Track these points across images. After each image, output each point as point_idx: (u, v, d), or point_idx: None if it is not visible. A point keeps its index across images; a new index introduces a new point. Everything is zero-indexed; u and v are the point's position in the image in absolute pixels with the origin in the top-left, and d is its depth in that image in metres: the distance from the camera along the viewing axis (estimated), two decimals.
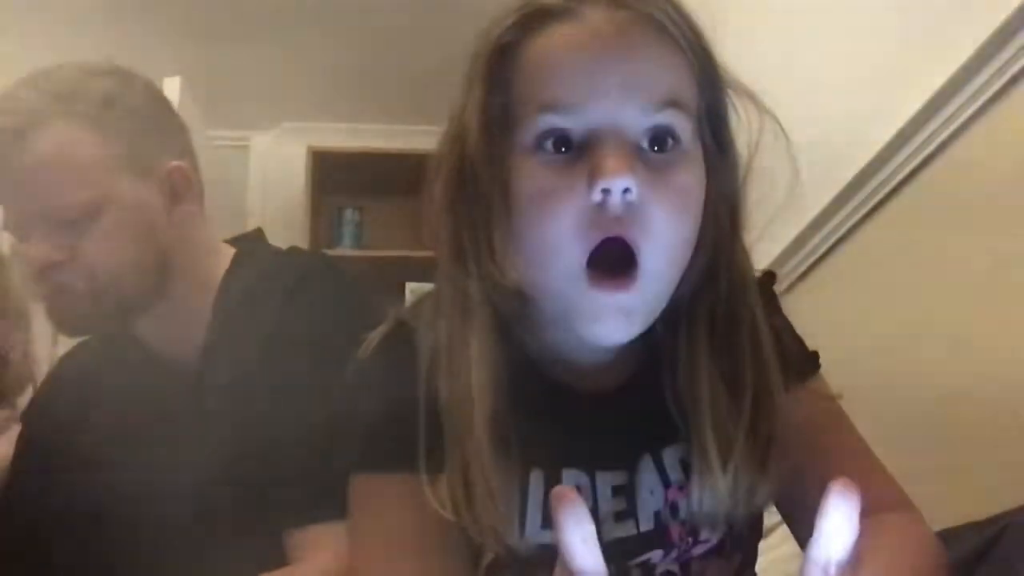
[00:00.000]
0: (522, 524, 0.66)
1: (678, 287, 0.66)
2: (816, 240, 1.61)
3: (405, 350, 0.69)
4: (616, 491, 0.69)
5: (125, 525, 0.91)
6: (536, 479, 0.67)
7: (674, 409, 0.68)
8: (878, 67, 1.39)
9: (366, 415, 0.71)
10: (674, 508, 0.68)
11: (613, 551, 0.66)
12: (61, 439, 1.00)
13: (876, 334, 1.40)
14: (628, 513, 0.68)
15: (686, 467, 0.68)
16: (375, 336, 0.73)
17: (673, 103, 0.62)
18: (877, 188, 1.39)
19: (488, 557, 0.66)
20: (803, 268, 1.68)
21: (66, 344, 1.15)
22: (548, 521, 0.66)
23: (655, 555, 0.68)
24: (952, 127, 1.21)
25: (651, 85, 0.62)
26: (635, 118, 0.61)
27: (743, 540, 0.73)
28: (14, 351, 1.29)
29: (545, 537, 0.66)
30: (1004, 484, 0.84)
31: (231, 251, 1.06)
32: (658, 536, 0.68)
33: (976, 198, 1.17)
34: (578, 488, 0.67)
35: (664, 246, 0.62)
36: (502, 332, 0.67)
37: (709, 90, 0.67)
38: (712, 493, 0.65)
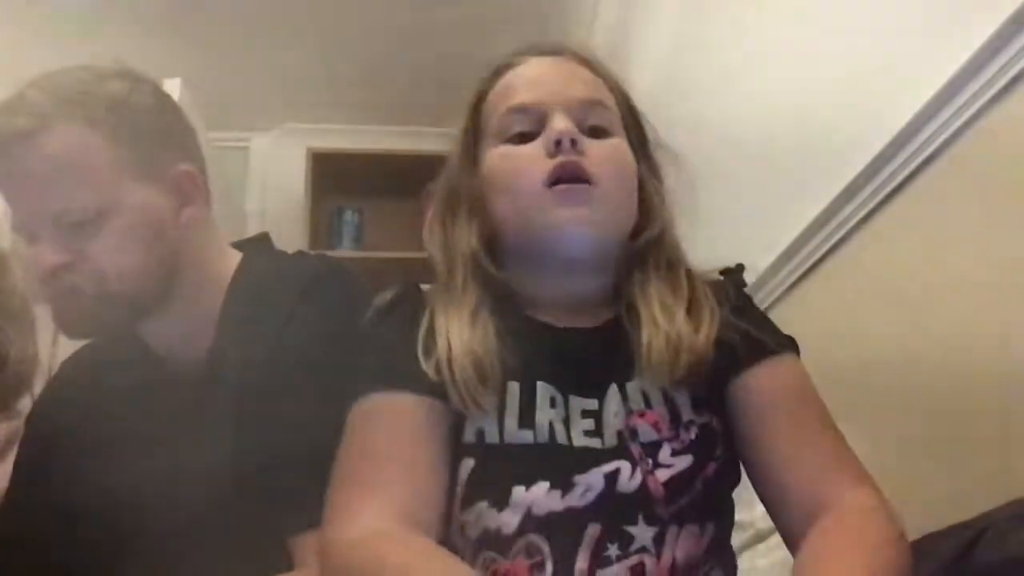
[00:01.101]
0: (501, 427, 0.78)
1: (635, 243, 0.86)
2: (812, 245, 1.62)
3: (413, 297, 0.88)
4: (585, 414, 0.80)
5: (129, 527, 0.92)
6: (513, 388, 0.80)
7: (629, 320, 0.84)
8: (878, 68, 1.40)
9: (371, 353, 0.84)
10: (633, 432, 0.79)
11: (584, 456, 0.77)
12: (65, 442, 1.00)
13: (873, 338, 1.41)
14: (595, 432, 0.79)
15: (646, 398, 0.80)
16: (389, 291, 0.89)
17: (601, 103, 0.86)
18: (875, 191, 1.40)
19: (469, 465, 0.77)
20: (799, 274, 1.69)
21: (66, 345, 1.14)
22: (524, 422, 0.78)
23: (623, 468, 0.76)
24: (952, 128, 1.21)
25: (583, 89, 0.86)
26: (574, 107, 0.84)
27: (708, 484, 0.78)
28: (13, 353, 1.29)
29: (521, 437, 0.78)
30: (998, 484, 0.85)
31: (238, 255, 1.06)
32: (622, 450, 0.78)
33: (976, 201, 1.17)
34: (552, 400, 0.80)
35: (609, 176, 0.82)
36: (482, 283, 0.85)
37: (628, 114, 0.90)
38: (660, 344, 0.79)
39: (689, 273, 0.88)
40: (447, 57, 2.73)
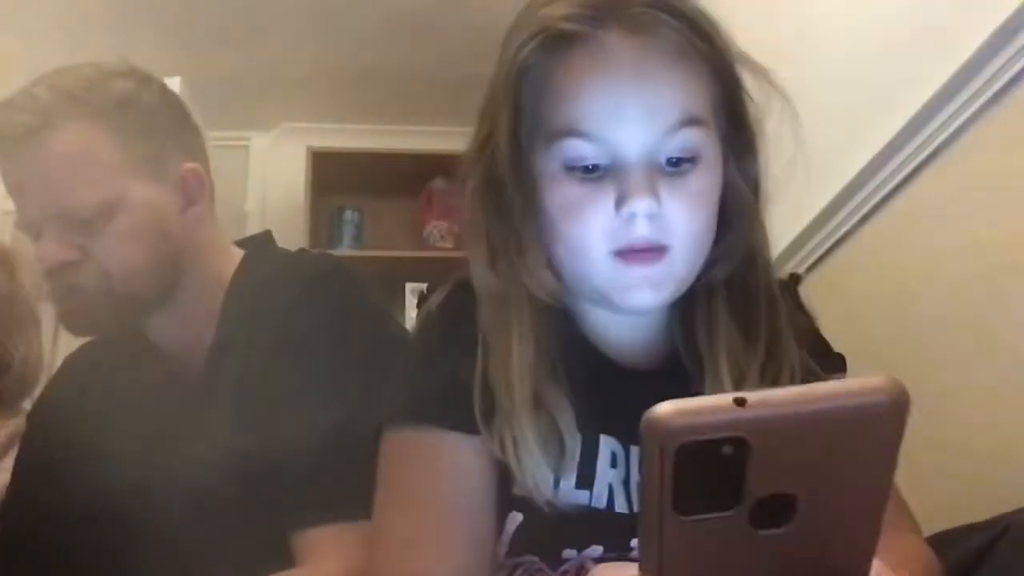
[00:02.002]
0: (556, 484, 0.69)
1: (708, 257, 0.72)
2: (814, 242, 1.62)
3: (466, 308, 0.73)
4: None
5: (130, 525, 0.91)
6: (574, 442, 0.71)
7: (691, 364, 0.73)
8: (877, 67, 1.40)
9: (417, 371, 0.74)
10: None
11: None
12: (67, 439, 1.00)
13: (872, 335, 1.41)
14: None
15: None
16: (438, 295, 0.76)
17: (689, 121, 0.67)
18: (876, 189, 1.40)
19: (517, 519, 0.70)
20: (801, 271, 1.69)
21: (67, 343, 1.14)
22: (582, 482, 0.70)
23: None
24: (951, 129, 1.22)
25: (668, 109, 0.66)
26: (655, 143, 0.66)
27: None
28: (18, 357, 1.29)
29: (577, 498, 0.70)
30: (1005, 485, 0.85)
31: (240, 253, 1.06)
32: None
33: (975, 200, 1.18)
34: (613, 458, 0.72)
35: (684, 238, 0.68)
36: (542, 313, 0.72)
37: (724, 84, 0.71)
38: None
39: (773, 304, 0.73)
40: (447, 57, 2.74)
